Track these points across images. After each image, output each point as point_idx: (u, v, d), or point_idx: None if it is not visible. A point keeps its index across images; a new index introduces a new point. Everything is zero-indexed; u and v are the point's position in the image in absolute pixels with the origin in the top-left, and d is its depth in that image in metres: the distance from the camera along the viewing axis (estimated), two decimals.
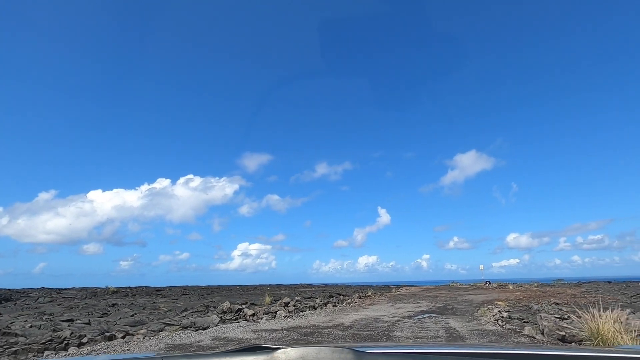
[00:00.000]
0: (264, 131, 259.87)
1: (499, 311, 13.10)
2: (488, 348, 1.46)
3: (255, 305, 18.33)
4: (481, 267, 43.22)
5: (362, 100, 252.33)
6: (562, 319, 9.70)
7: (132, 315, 12.43)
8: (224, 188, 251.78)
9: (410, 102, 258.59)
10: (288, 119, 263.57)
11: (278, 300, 16.49)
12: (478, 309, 14.27)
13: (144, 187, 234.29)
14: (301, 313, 13.32)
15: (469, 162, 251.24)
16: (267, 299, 20.92)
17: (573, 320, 7.56)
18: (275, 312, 11.54)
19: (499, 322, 10.60)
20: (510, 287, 31.42)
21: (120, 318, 11.93)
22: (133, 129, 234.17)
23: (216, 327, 9.66)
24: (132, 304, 20.76)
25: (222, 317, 10.48)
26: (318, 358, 0.89)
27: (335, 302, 17.32)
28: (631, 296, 21.75)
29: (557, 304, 14.88)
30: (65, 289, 39.93)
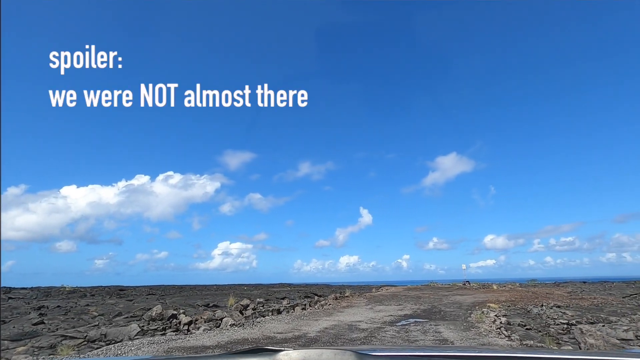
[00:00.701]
0: (247, 129, 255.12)
1: (495, 316, 11.02)
2: (493, 352, 1.36)
3: (218, 307, 15.67)
4: (463, 266, 42.06)
5: (346, 101, 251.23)
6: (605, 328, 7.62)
7: (35, 324, 9.52)
8: (204, 186, 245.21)
9: (393, 103, 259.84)
10: (272, 118, 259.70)
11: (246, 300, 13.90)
12: (470, 313, 12.18)
13: (122, 184, 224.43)
14: (260, 319, 10.79)
15: (449, 164, 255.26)
16: (231, 300, 18.27)
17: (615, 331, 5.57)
18: (222, 319, 8.94)
19: (503, 330, 8.44)
20: (494, 287, 29.93)
21: (14, 327, 9.01)
22: (111, 123, 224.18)
23: (130, 342, 6.99)
24: (72, 307, 17.59)
25: (146, 327, 7.81)
26: None
27: (306, 305, 14.90)
28: (623, 297, 20.42)
29: (558, 307, 12.99)
30: (16, 288, 36.31)
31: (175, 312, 8.96)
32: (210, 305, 18.42)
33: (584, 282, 44.95)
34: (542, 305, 13.32)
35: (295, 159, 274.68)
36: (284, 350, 0.97)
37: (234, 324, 8.76)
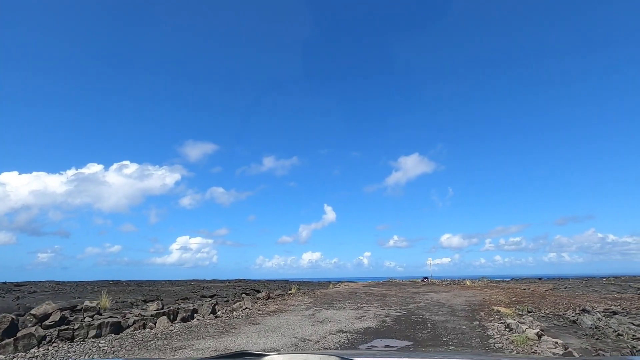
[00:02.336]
0: (209, 119, 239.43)
1: (537, 334, 5.66)
2: (481, 356, 1.39)
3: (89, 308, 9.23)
4: (429, 260, 38.73)
5: (312, 98, 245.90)
6: None
7: None
8: (163, 177, 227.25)
9: (360, 101, 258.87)
10: (236, 109, 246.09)
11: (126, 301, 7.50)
12: (481, 324, 6.82)
13: (71, 172, 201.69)
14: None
15: (411, 165, 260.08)
16: (104, 300, 11.68)
17: None
18: None
19: None
20: (468, 283, 25.82)
21: None
22: (64, 106, 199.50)
23: None
24: None
25: None
26: None
27: (218, 309, 8.88)
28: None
29: (613, 313, 7.99)
30: None
31: None
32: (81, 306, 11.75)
33: (539, 279, 43.53)
34: (582, 311, 8.29)
35: (259, 153, 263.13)
36: (269, 355, 0.95)
37: None
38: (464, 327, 6.83)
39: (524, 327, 6.19)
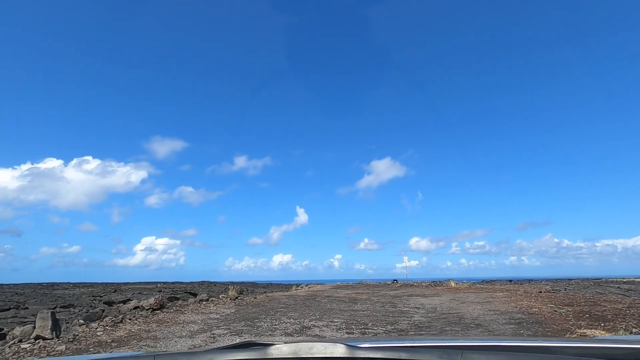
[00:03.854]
0: (178, 114, 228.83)
1: None
2: (485, 340, 1.36)
3: None
4: (405, 259, 36.15)
5: (287, 93, 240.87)
6: None
7: None
8: (128, 174, 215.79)
9: (335, 102, 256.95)
10: (207, 105, 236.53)
11: None
12: None
13: (25, 167, 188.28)
14: None
15: (383, 169, 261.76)
16: None
17: None
18: None
19: None
20: (453, 284, 22.88)
21: None
22: (21, 95, 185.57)
23: None
24: None
25: None
26: (311, 353, 0.92)
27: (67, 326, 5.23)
28: None
29: None
30: None
31: None
32: None
33: (510, 281, 42.78)
34: None
35: (230, 152, 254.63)
36: (275, 344, 0.98)
37: None
38: None
39: None
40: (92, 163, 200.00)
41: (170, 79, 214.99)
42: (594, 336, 4.66)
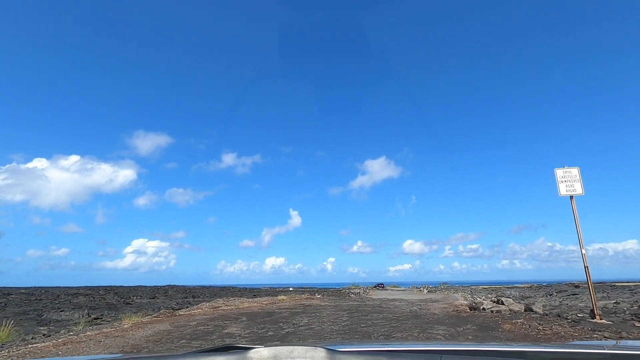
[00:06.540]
0: (163, 104, 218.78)
1: None
2: (464, 345, 1.46)
3: None
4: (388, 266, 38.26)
5: (276, 85, 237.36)
6: None
7: None
8: (112, 173, 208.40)
9: (327, 99, 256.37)
10: (193, 97, 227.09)
11: None
12: None
13: (5, 166, 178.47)
14: None
15: (377, 168, 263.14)
16: None
17: None
18: None
19: None
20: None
21: None
22: None
23: None
24: None
25: None
26: (291, 357, 0.90)
27: None
28: None
29: None
30: None
31: None
32: None
33: (530, 285, 43.92)
34: None
35: (218, 148, 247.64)
36: (255, 347, 0.97)
37: None
38: None
39: None
40: (71, 159, 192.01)
41: (155, 67, 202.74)
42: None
